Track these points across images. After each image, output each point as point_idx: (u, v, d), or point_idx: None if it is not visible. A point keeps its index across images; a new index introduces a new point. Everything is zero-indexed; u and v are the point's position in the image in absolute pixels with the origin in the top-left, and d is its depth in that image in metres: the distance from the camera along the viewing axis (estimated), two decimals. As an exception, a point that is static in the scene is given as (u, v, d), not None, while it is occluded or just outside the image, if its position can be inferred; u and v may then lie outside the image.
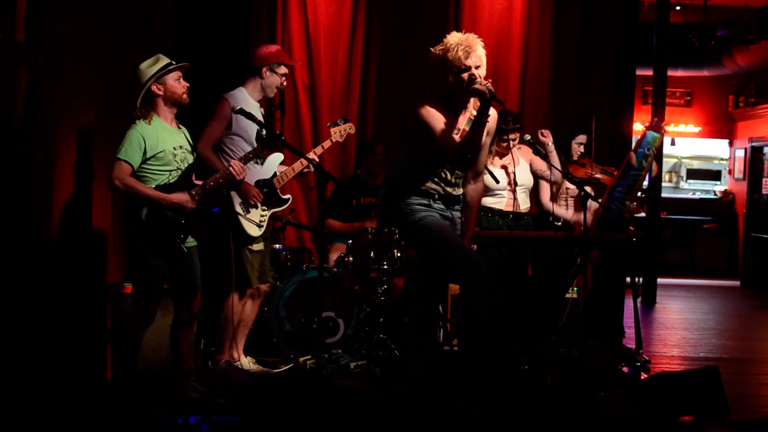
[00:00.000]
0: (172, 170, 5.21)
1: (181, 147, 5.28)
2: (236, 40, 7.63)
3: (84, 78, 6.13)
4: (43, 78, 5.69)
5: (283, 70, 6.06)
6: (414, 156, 5.20)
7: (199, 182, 5.36)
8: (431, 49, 5.17)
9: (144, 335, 5.43)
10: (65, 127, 5.94)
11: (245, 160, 5.78)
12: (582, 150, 7.15)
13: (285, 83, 6.16)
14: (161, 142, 5.16)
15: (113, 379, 5.67)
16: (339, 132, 6.54)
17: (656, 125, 6.80)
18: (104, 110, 6.32)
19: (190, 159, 5.34)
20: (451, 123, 5.12)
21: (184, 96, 5.32)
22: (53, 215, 5.83)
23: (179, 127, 5.40)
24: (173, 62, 5.31)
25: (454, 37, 5.11)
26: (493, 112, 5.23)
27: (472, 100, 5.19)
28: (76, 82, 6.04)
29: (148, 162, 5.13)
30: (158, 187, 5.12)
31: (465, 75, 5.04)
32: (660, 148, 10.56)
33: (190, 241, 5.35)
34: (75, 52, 5.99)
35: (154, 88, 5.23)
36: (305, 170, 6.25)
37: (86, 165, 6.13)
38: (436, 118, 5.08)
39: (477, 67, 5.06)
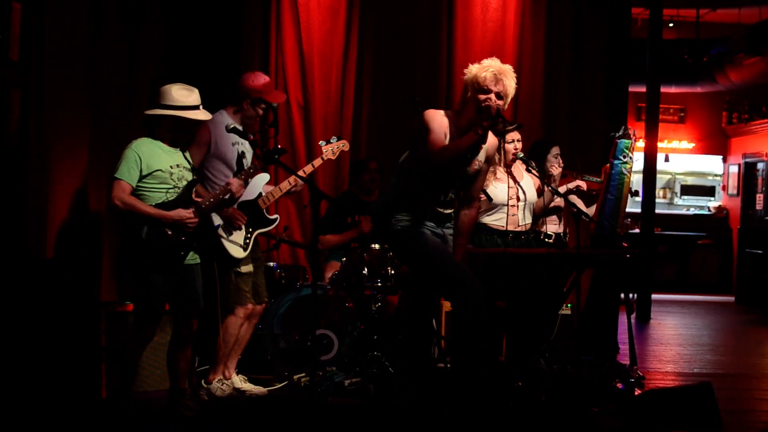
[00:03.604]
0: (169, 188, 5.19)
1: (178, 165, 5.26)
2: (229, 58, 7.65)
3: (76, 96, 6.15)
4: (35, 97, 5.71)
5: (263, 106, 6.03)
6: (409, 172, 5.21)
7: (199, 199, 5.34)
8: (470, 64, 5.21)
9: (143, 353, 5.40)
10: (58, 146, 5.96)
11: (244, 178, 5.76)
12: (560, 162, 7.08)
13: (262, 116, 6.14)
14: (157, 160, 5.15)
15: (108, 397, 5.66)
16: (331, 150, 6.51)
17: (624, 133, 6.75)
18: (96, 128, 6.34)
19: (189, 177, 5.31)
20: (454, 135, 5.14)
21: (185, 140, 5.42)
22: (47, 233, 5.84)
23: (176, 146, 5.39)
24: (200, 107, 5.32)
25: (491, 60, 5.17)
26: (491, 139, 5.26)
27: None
28: (69, 101, 6.07)
29: (145, 180, 5.12)
30: (156, 206, 5.12)
31: (483, 96, 5.06)
32: (651, 160, 10.61)
33: (193, 259, 5.34)
34: (67, 71, 6.02)
35: (165, 118, 5.23)
36: (293, 189, 6.23)
37: (79, 183, 6.15)
38: (439, 124, 5.09)
39: (499, 97, 5.09)
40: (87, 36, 6.26)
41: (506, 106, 5.17)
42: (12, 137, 5.56)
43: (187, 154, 5.40)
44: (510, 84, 5.13)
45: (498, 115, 5.02)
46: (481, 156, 5.29)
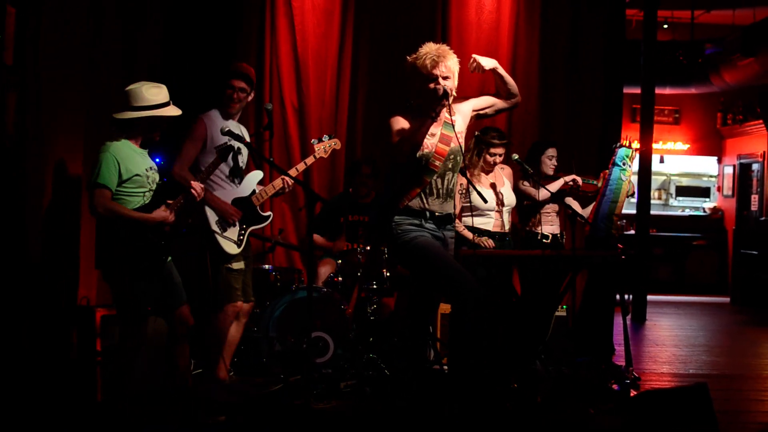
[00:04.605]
0: (145, 191, 5.20)
1: (151, 168, 5.27)
2: (225, 61, 7.63)
3: (75, 96, 6.15)
4: (32, 99, 5.70)
5: (237, 83, 6.03)
6: (397, 172, 5.21)
7: (171, 201, 5.32)
8: (407, 57, 5.22)
9: (137, 357, 5.37)
10: (57, 146, 5.95)
11: (203, 177, 5.71)
12: (555, 163, 7.12)
13: (241, 98, 6.08)
14: (134, 164, 5.14)
15: (103, 399, 5.65)
16: (323, 148, 6.51)
17: (628, 143, 6.80)
18: (95, 128, 6.33)
19: (157, 179, 5.33)
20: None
21: (157, 138, 5.36)
22: (43, 235, 5.83)
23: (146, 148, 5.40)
24: (171, 102, 5.30)
25: (426, 47, 5.17)
26: (464, 109, 5.32)
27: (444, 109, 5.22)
28: (68, 101, 6.06)
29: (124, 185, 5.10)
30: (136, 209, 5.11)
31: (432, 85, 5.08)
32: (645, 162, 10.63)
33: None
34: (65, 72, 6.01)
35: (142, 120, 5.21)
36: (286, 188, 6.22)
37: (75, 185, 6.14)
38: (400, 126, 5.12)
39: (445, 78, 5.10)
40: (87, 36, 6.26)
41: (456, 83, 5.18)
42: (9, 139, 5.55)
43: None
44: (450, 62, 5.15)
45: (444, 95, 5.05)
46: (459, 127, 5.29)
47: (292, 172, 6.22)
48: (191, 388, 5.80)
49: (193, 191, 5.47)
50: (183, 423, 5.25)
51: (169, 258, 5.38)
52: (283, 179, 6.14)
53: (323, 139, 6.55)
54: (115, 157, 5.09)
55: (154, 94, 5.22)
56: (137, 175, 5.14)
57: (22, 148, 5.64)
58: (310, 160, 6.45)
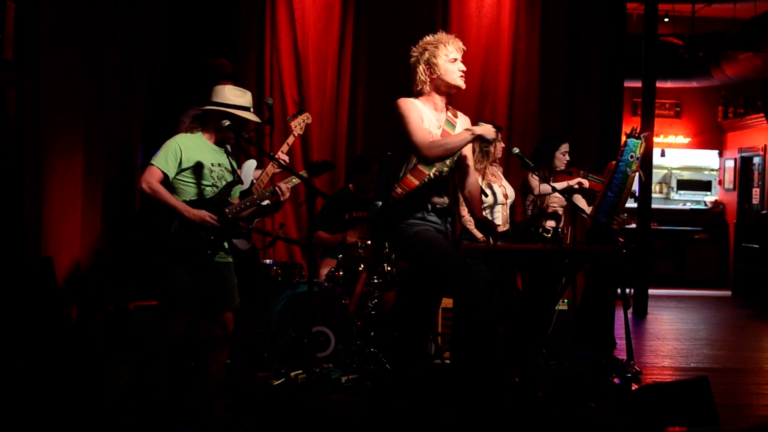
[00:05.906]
0: (206, 186, 5.11)
1: (219, 165, 5.18)
2: (225, 56, 7.62)
3: (71, 95, 6.14)
4: (31, 96, 5.70)
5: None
6: (395, 164, 5.19)
7: (235, 201, 5.28)
8: (426, 37, 5.23)
9: (166, 352, 5.26)
10: (56, 143, 5.96)
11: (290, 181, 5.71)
12: (567, 158, 7.13)
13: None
14: (199, 155, 5.08)
15: (109, 398, 5.63)
16: (299, 124, 6.41)
17: (635, 133, 6.78)
18: (94, 125, 6.33)
19: (228, 178, 5.23)
20: (430, 119, 5.17)
21: (232, 140, 5.31)
22: (43, 232, 5.83)
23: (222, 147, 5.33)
24: (252, 109, 5.29)
25: (439, 35, 5.24)
26: (464, 118, 5.39)
27: (441, 99, 5.23)
28: (63, 100, 6.06)
29: (183, 173, 5.05)
30: (190, 201, 5.07)
31: (461, 69, 5.18)
32: (647, 155, 10.62)
33: (223, 257, 5.25)
34: (62, 70, 6.01)
35: (216, 117, 5.18)
36: (276, 171, 6.17)
37: (74, 181, 6.15)
38: (416, 112, 5.11)
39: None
40: (86, 33, 6.26)
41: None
42: (8, 135, 5.55)
43: (232, 159, 5.34)
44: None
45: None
46: (458, 130, 5.29)
47: (279, 156, 6.11)
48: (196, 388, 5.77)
49: (278, 189, 5.36)
50: (183, 423, 5.24)
51: (229, 258, 5.29)
52: (273, 164, 6.05)
53: (296, 116, 6.42)
54: (179, 145, 5.05)
55: (234, 95, 5.20)
56: (197, 165, 5.07)
57: (20, 145, 5.65)
58: (291, 140, 6.30)
